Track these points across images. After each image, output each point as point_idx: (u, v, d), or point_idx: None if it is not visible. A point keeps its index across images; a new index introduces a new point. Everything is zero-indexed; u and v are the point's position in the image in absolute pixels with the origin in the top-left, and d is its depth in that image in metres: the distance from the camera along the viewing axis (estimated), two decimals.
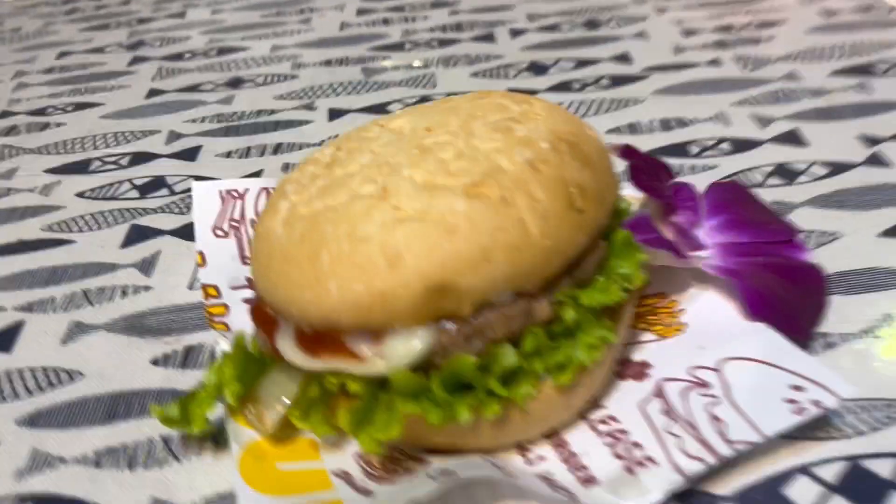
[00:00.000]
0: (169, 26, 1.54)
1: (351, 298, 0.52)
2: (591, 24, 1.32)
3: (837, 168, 0.88)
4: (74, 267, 0.85)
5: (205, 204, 0.77)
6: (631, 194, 0.71)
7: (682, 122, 1.01)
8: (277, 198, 0.60)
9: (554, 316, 0.55)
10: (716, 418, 0.56)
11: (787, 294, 0.66)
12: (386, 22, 1.44)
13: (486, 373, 0.53)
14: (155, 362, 0.71)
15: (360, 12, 1.50)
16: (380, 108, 1.12)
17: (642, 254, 0.59)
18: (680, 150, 0.95)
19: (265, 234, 0.59)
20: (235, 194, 0.79)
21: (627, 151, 0.67)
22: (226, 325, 0.69)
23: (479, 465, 0.52)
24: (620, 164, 0.69)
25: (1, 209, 0.97)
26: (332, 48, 1.33)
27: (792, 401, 0.56)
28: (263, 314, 0.59)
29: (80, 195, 0.98)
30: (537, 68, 1.19)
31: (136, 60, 1.37)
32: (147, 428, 0.65)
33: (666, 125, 1.00)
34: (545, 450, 0.58)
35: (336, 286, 0.52)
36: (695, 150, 0.95)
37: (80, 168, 1.04)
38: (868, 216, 0.80)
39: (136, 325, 0.76)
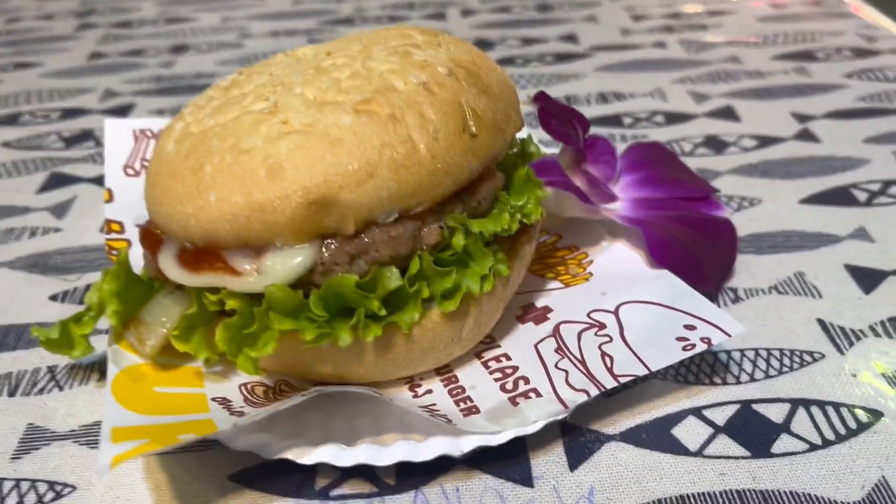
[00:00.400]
0: None
1: (229, 210, 0.50)
2: (543, 8, 1.33)
3: (766, 141, 0.88)
4: None
5: (117, 141, 0.76)
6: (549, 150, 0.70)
7: (620, 97, 1.00)
8: (175, 120, 0.59)
9: (443, 241, 0.54)
10: (606, 355, 0.55)
11: (696, 245, 0.65)
12: None
13: (369, 294, 0.52)
14: (53, 298, 0.69)
15: None
16: None
17: (542, 190, 0.58)
18: (614, 120, 0.94)
19: (157, 153, 0.57)
20: (149, 134, 0.78)
21: (539, 96, 0.66)
22: None
23: (349, 390, 0.51)
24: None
25: None
26: (282, 21, 1.32)
27: (682, 339, 0.55)
28: (150, 234, 0.57)
29: (6, 144, 0.96)
30: (483, 44, 1.18)
31: (84, 27, 1.35)
32: (34, 358, 0.63)
33: (603, 98, 1.00)
34: (434, 383, 0.57)
35: (216, 197, 0.51)
36: (628, 121, 0.94)
37: (10, 120, 1.02)
38: (792, 185, 0.79)
39: (39, 264, 0.74)
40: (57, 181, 0.87)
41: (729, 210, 0.71)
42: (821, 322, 0.61)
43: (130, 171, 0.75)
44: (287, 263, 0.51)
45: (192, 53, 1.22)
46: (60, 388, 0.60)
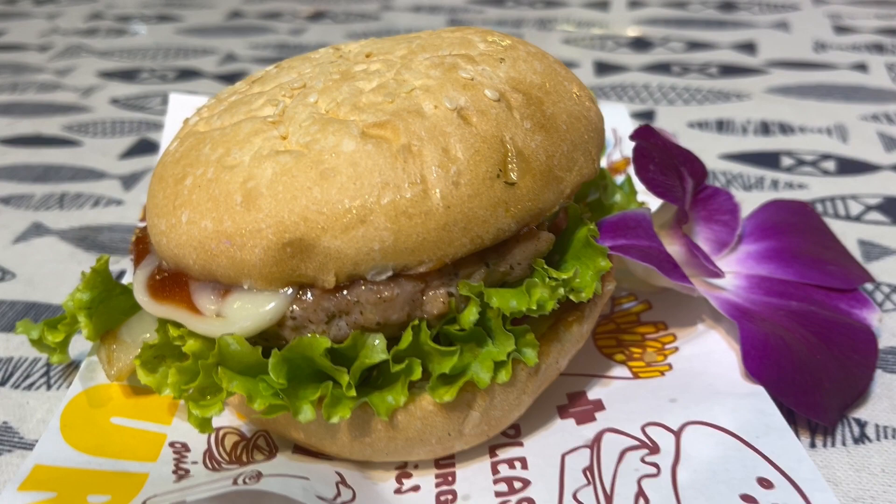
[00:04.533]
0: None
1: (198, 236, 0.42)
2: (726, 7, 1.13)
3: None
4: (68, 168, 0.81)
5: (179, 118, 0.70)
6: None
7: (787, 129, 0.82)
8: (195, 112, 0.51)
9: (450, 313, 0.42)
10: (642, 495, 0.41)
11: (814, 357, 0.48)
12: None
13: (342, 365, 0.41)
14: None
15: None
16: None
17: (604, 261, 0.45)
18: (769, 159, 0.76)
19: (166, 149, 0.50)
20: None
21: (641, 132, 0.52)
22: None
23: (296, 484, 0.41)
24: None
25: (42, 102, 0.96)
26: None
27: (749, 498, 0.40)
28: (140, 242, 0.50)
29: (115, 101, 0.94)
30: (639, 44, 1.02)
31: None
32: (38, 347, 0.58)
33: (765, 129, 0.82)
34: (426, 479, 0.46)
35: (187, 218, 0.42)
36: (788, 162, 0.76)
37: (129, 76, 1.01)
38: None
39: (88, 238, 0.70)
40: (142, 148, 0.84)
41: (879, 312, 0.53)
42: None
43: None
44: (252, 310, 0.42)
45: (326, 22, 1.15)
46: (48, 387, 0.55)
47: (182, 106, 0.71)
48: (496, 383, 0.43)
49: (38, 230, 0.71)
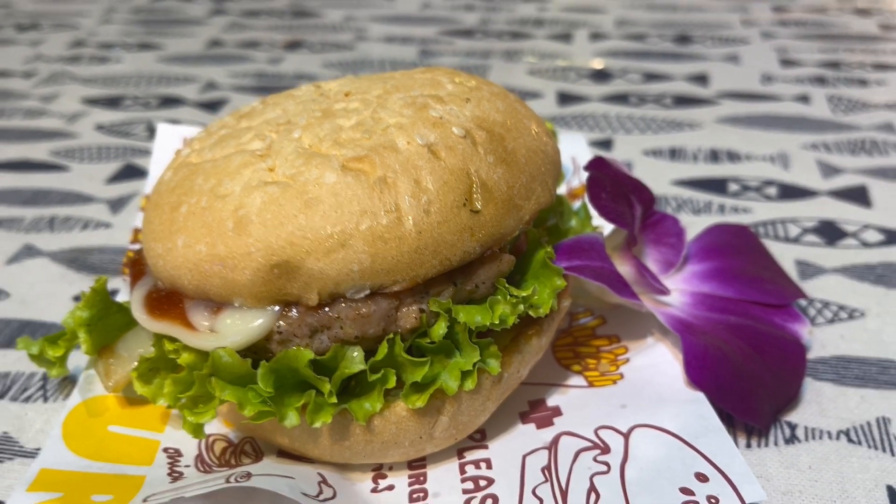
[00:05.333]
0: None
1: (192, 259, 0.46)
2: (681, 39, 1.20)
3: (894, 238, 0.73)
4: (56, 192, 0.84)
5: (166, 147, 0.74)
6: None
7: (734, 157, 0.88)
8: (186, 144, 0.56)
9: (421, 327, 0.47)
10: (594, 490, 0.46)
11: (749, 367, 0.54)
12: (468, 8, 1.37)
13: (324, 374, 0.46)
14: (76, 298, 0.69)
15: None
16: None
17: (559, 280, 0.50)
18: (717, 185, 0.82)
19: (160, 178, 0.54)
20: None
21: (595, 163, 0.57)
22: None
23: (282, 482, 0.45)
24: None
25: (28, 128, 0.99)
26: (402, 26, 1.27)
27: (687, 491, 0.45)
28: (136, 263, 0.54)
29: (100, 127, 0.98)
30: (600, 76, 1.08)
31: (216, 13, 1.38)
32: (34, 363, 0.62)
33: (714, 156, 0.88)
34: (400, 479, 0.50)
35: (182, 242, 0.47)
36: (734, 188, 0.82)
37: (112, 103, 1.04)
38: None
39: (77, 259, 0.74)
40: (127, 173, 0.88)
41: (809, 325, 0.59)
42: (891, 491, 0.49)
43: None
44: (242, 326, 0.46)
45: (303, 52, 1.20)
46: (45, 400, 0.59)
47: (168, 135, 0.75)
48: (463, 391, 0.48)
49: (29, 252, 0.75)
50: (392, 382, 0.46)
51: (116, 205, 0.82)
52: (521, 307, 0.48)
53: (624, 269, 0.58)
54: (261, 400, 0.45)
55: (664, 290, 0.57)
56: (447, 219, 0.46)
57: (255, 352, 0.47)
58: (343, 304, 0.46)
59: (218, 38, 1.26)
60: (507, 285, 0.48)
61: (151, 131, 0.96)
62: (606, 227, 0.61)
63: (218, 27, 1.31)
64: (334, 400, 0.45)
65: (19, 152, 0.93)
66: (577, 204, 0.70)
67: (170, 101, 1.04)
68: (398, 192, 0.45)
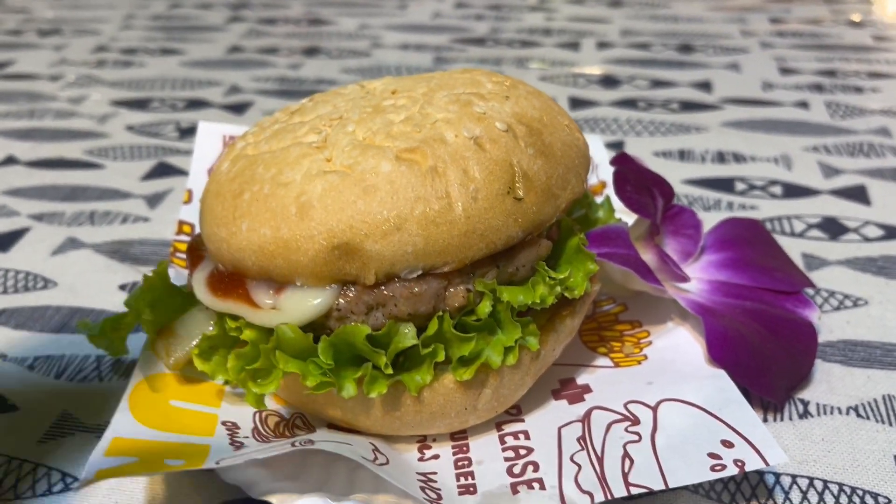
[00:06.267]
0: None
1: (257, 242, 0.50)
2: (684, 48, 1.25)
3: (894, 233, 0.78)
4: (94, 189, 0.88)
5: (206, 144, 0.78)
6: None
7: (740, 158, 0.92)
8: (240, 138, 0.60)
9: (468, 305, 0.51)
10: (628, 456, 0.50)
11: (765, 346, 0.58)
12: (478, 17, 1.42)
13: (380, 348, 0.50)
14: (123, 287, 0.72)
15: (458, 6, 1.49)
16: None
17: (592, 264, 0.54)
18: (725, 184, 0.87)
19: (215, 169, 0.58)
20: None
21: (619, 159, 0.62)
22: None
23: (343, 447, 0.49)
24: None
25: (60, 128, 1.02)
26: (416, 34, 1.32)
27: (714, 455, 0.49)
28: (194, 249, 0.58)
29: (130, 128, 1.02)
30: (609, 82, 1.13)
31: (234, 20, 1.42)
32: (88, 346, 0.65)
33: (720, 158, 0.93)
34: (444, 448, 0.54)
35: (247, 227, 0.51)
36: (741, 187, 0.87)
37: (141, 105, 1.08)
38: None
39: (119, 250, 0.77)
40: (161, 170, 0.91)
41: (818, 312, 0.63)
42: None
43: None
44: (304, 303, 0.50)
45: (321, 57, 1.24)
46: (101, 380, 0.62)
47: (209, 132, 0.79)
48: (505, 365, 0.52)
49: (73, 244, 0.78)
50: (441, 356, 0.50)
51: (153, 200, 0.85)
52: (558, 289, 0.52)
53: (647, 257, 0.62)
54: (321, 372, 0.49)
55: (685, 277, 0.61)
56: (493, 205, 0.50)
57: (315, 328, 0.51)
58: (397, 284, 0.50)
59: (238, 44, 1.30)
60: (545, 268, 0.52)
61: (181, 132, 1.00)
62: (629, 220, 0.65)
63: (237, 34, 1.35)
64: (390, 371, 0.49)
65: (54, 151, 0.97)
66: (598, 199, 0.75)
67: (196, 104, 1.08)
68: (448, 181, 0.49)
